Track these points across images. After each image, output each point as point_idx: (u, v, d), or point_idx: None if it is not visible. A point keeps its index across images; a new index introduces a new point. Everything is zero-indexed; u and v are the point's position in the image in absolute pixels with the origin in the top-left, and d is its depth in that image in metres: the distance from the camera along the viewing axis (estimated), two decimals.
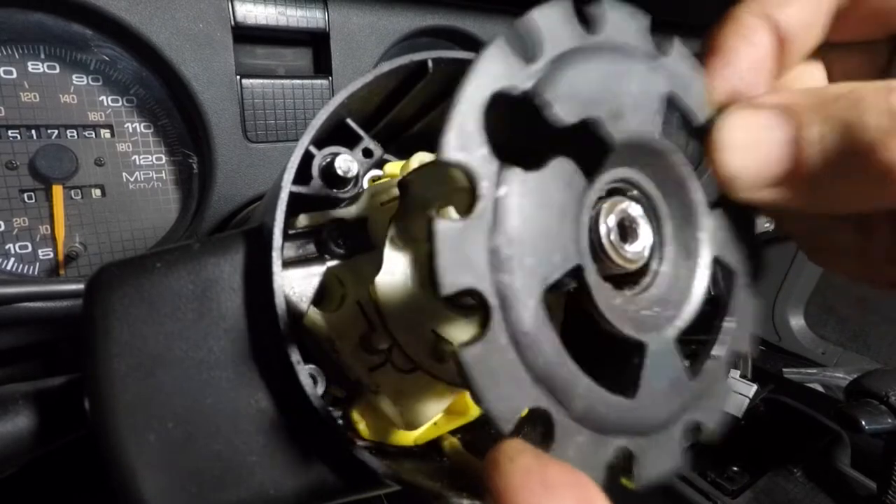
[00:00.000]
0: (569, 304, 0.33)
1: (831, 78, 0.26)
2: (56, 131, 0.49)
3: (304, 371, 0.24)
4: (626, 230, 0.20)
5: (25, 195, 0.49)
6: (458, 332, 0.29)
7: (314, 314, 0.29)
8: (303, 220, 0.30)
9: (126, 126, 0.52)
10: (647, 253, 0.21)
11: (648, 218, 0.22)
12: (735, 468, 0.72)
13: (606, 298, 0.19)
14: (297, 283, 0.28)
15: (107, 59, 0.50)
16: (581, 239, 0.18)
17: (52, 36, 0.47)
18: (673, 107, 0.21)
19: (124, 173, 0.52)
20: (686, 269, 0.22)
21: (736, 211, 0.23)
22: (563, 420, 0.17)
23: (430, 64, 0.28)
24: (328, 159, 0.28)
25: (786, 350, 1.20)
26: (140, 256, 0.27)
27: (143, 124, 0.53)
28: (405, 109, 0.32)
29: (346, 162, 0.28)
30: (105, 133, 0.51)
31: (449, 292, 0.15)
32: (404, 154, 0.33)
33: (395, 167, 0.34)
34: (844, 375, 1.01)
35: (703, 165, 0.22)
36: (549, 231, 0.17)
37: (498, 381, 0.16)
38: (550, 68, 0.17)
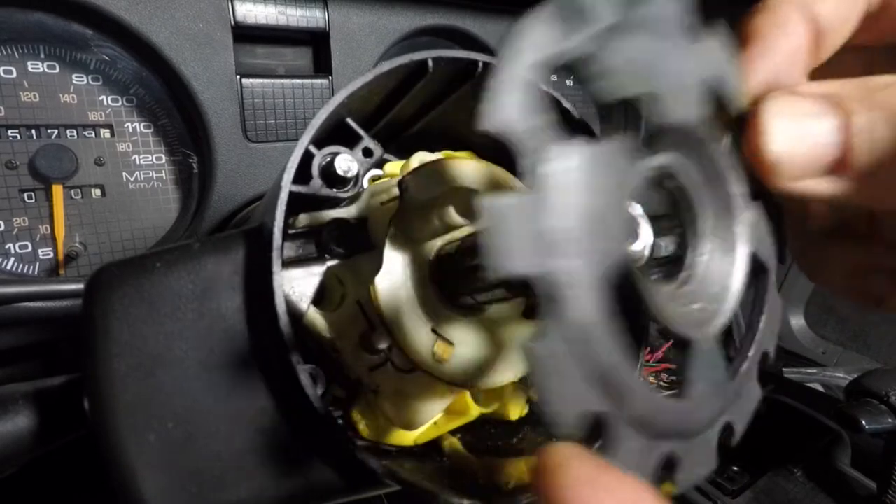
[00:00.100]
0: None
1: None
2: (56, 131, 0.49)
3: (304, 371, 0.24)
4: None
5: (25, 195, 0.49)
6: (459, 332, 0.29)
7: (314, 314, 0.29)
8: (303, 220, 0.30)
9: (126, 126, 0.52)
10: (647, 252, 0.21)
11: (655, 217, 0.21)
12: (735, 468, 0.72)
13: (653, 291, 0.18)
14: (297, 283, 0.28)
15: (107, 58, 0.50)
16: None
17: (52, 36, 0.47)
18: (713, 92, 0.20)
19: (124, 173, 0.52)
20: (724, 264, 0.21)
21: (767, 205, 0.22)
22: (619, 424, 0.16)
23: (430, 63, 0.28)
24: (328, 159, 0.28)
25: (786, 350, 1.20)
26: (140, 256, 0.27)
27: (143, 124, 0.53)
28: (405, 109, 0.32)
29: (346, 161, 0.28)
30: (105, 133, 0.51)
31: (508, 277, 0.13)
32: (404, 154, 0.33)
33: (395, 167, 0.34)
34: (844, 375, 1.01)
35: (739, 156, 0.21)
36: (602, 214, 0.15)
37: (562, 380, 0.14)
38: (598, 40, 0.16)
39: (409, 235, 0.29)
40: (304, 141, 0.27)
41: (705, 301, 0.20)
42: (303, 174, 0.27)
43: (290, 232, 0.29)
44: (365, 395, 0.30)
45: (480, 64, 0.29)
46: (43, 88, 0.48)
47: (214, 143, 0.52)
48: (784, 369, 1.04)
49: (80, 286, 0.44)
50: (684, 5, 0.19)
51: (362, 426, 0.30)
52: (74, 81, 0.49)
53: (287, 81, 0.54)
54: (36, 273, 0.50)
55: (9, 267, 0.49)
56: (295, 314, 0.27)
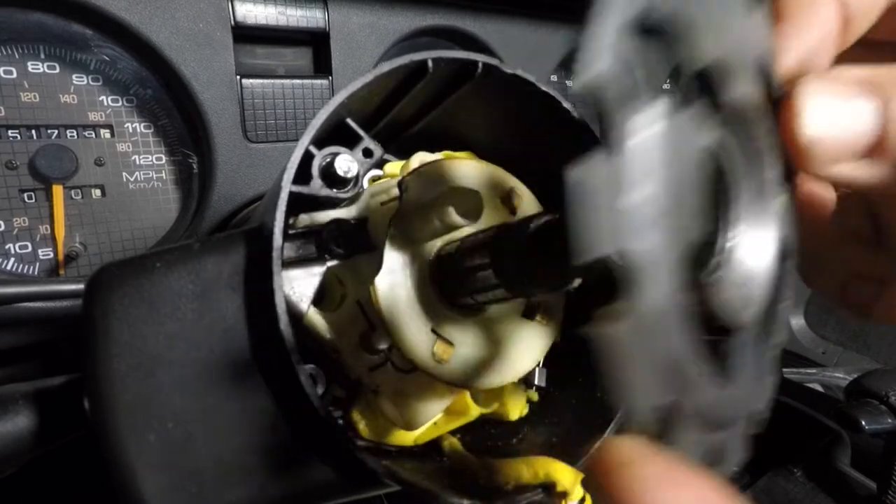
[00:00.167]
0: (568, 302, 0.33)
1: None
2: (56, 131, 0.49)
3: (304, 371, 0.24)
4: None
5: (25, 195, 0.49)
6: (458, 332, 0.29)
7: (314, 314, 0.29)
8: (303, 221, 0.30)
9: (126, 126, 0.52)
10: None
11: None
12: (735, 468, 0.72)
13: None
14: (297, 283, 0.28)
15: (107, 59, 0.50)
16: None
17: (52, 36, 0.47)
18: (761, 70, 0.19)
19: (124, 173, 0.52)
20: (757, 250, 0.20)
21: (790, 191, 0.21)
22: (685, 415, 0.15)
23: (430, 64, 0.28)
24: (328, 159, 0.28)
25: (786, 350, 1.20)
26: (140, 256, 0.27)
27: (143, 124, 0.53)
28: (405, 109, 0.32)
29: (346, 162, 0.28)
30: (105, 133, 0.51)
31: (591, 258, 0.12)
32: (404, 154, 0.33)
33: (395, 167, 0.34)
34: (844, 375, 1.01)
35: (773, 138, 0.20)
36: (676, 189, 0.14)
37: (640, 367, 0.13)
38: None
39: (409, 236, 0.29)
40: (305, 141, 0.27)
41: (740, 287, 0.19)
42: (303, 174, 0.27)
43: (291, 232, 0.29)
44: (365, 395, 0.30)
45: (480, 64, 0.29)
46: (43, 89, 0.48)
47: (214, 143, 0.52)
48: (784, 369, 1.04)
49: (80, 286, 0.44)
50: None
51: (362, 426, 0.30)
52: (74, 81, 0.49)
53: (287, 82, 0.54)
54: (36, 273, 0.50)
55: (9, 267, 0.49)
56: (295, 314, 0.27)
